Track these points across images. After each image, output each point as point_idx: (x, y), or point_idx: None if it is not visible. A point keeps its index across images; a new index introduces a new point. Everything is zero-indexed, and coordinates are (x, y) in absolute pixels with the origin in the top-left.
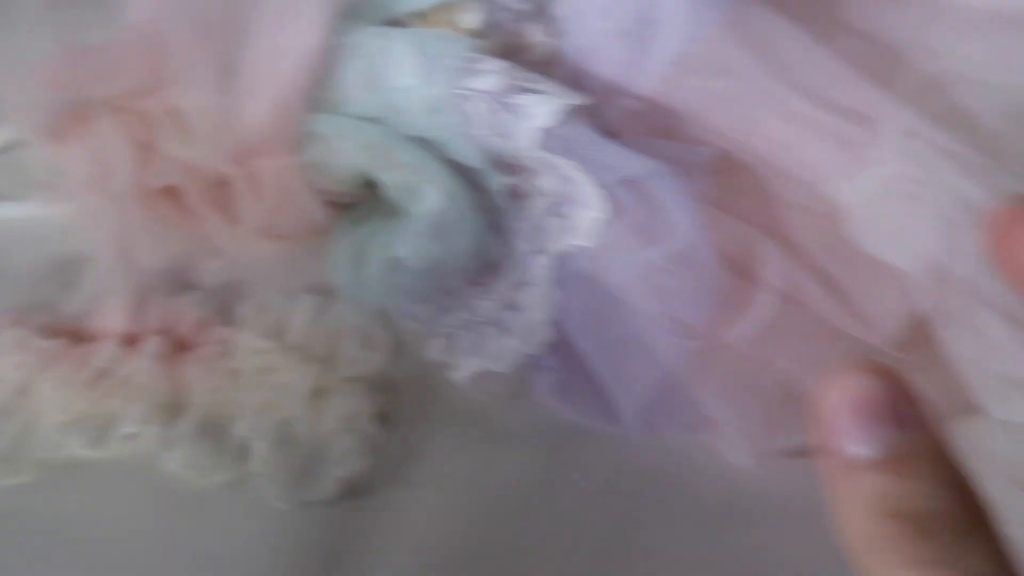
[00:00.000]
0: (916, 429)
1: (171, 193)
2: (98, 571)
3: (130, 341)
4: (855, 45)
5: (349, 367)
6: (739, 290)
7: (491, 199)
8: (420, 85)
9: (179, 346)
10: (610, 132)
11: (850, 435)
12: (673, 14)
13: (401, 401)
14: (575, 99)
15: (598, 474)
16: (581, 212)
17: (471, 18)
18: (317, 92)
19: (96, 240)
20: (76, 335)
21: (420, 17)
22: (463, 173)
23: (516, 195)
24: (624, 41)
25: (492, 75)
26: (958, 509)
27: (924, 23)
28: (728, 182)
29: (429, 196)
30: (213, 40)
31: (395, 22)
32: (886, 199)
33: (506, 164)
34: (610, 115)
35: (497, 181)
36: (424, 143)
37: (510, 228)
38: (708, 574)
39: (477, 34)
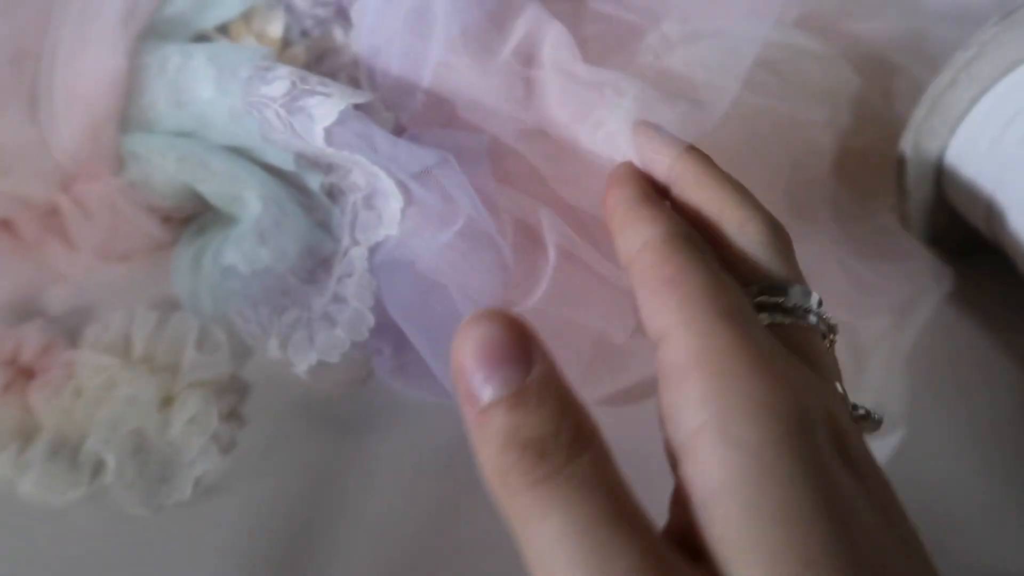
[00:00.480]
0: (532, 365)
1: (5, 225)
2: None
3: None
4: (601, 30)
5: (192, 372)
6: (532, 259)
7: (315, 198)
8: (218, 96)
9: (24, 374)
10: (403, 126)
11: (476, 379)
12: (444, 4)
13: (249, 400)
14: (357, 97)
15: (441, 447)
16: (387, 203)
17: (274, 27)
18: (127, 112)
19: None
20: None
21: (223, 31)
22: (281, 176)
23: (334, 192)
24: (406, 36)
25: (279, 81)
26: (570, 428)
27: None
28: (503, 163)
29: (250, 202)
30: (17, 70)
31: (201, 38)
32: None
33: (321, 163)
34: (404, 108)
35: (314, 180)
36: (238, 151)
37: (337, 224)
38: None
39: (284, 43)
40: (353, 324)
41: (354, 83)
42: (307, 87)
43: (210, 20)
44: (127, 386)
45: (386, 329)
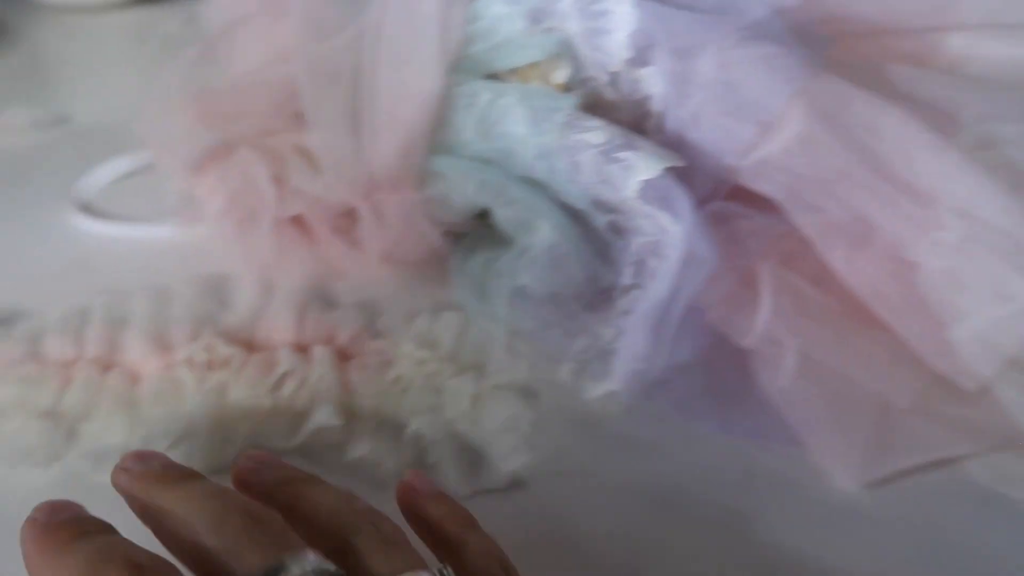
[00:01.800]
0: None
1: (299, 221)
2: None
3: (299, 350)
4: (912, 110)
5: (499, 375)
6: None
7: (596, 233)
8: (530, 134)
9: (341, 355)
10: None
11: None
12: (757, 90)
13: (540, 409)
14: (673, 160)
15: (724, 477)
16: (673, 255)
17: (561, 74)
18: (436, 135)
19: (235, 261)
20: (248, 345)
21: (514, 72)
22: (569, 209)
23: (617, 230)
24: (722, 118)
25: (597, 131)
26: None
27: (963, 90)
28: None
29: (542, 229)
30: (336, 85)
31: (492, 77)
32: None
33: (607, 205)
34: (697, 177)
35: (600, 219)
36: (533, 183)
37: (617, 260)
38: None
39: (565, 88)
40: (640, 357)
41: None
42: (624, 139)
43: (506, 62)
44: (447, 379)
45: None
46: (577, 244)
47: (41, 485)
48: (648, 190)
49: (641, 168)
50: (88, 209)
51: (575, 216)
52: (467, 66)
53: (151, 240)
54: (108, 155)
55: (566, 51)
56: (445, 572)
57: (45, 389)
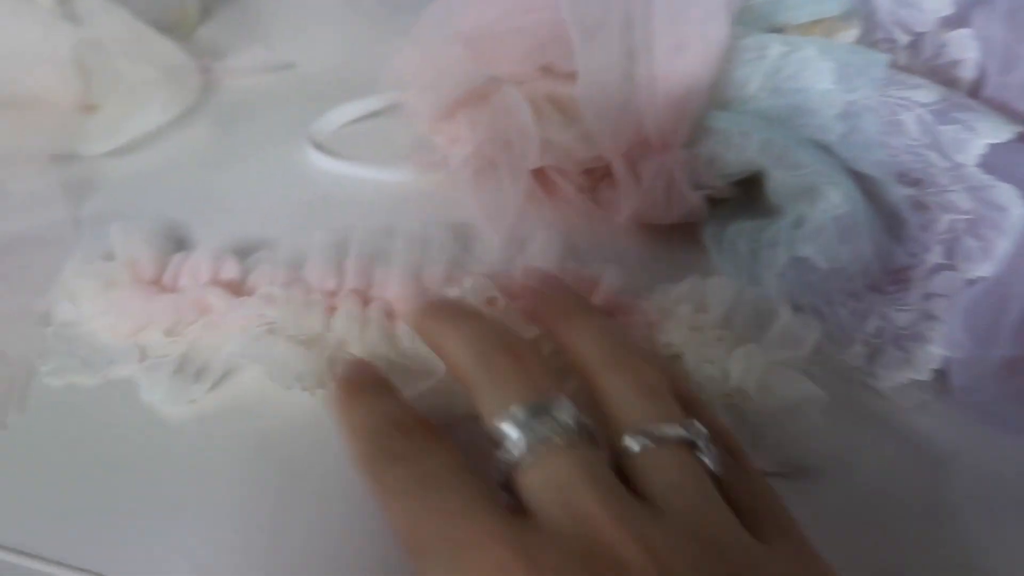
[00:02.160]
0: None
1: (540, 174)
2: None
3: None
4: None
5: (781, 351)
6: None
7: (888, 208)
8: (835, 89)
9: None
10: None
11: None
12: None
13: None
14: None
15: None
16: (998, 238)
17: (850, 33)
18: (715, 89)
19: (473, 210)
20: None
21: (798, 29)
22: (859, 179)
23: (920, 205)
24: None
25: (926, 88)
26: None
27: None
28: None
29: (831, 198)
30: (606, 32)
31: (773, 31)
32: None
33: (909, 176)
34: None
35: (897, 192)
36: (820, 146)
37: (913, 238)
38: None
39: None
40: (947, 345)
41: None
42: (960, 100)
43: (790, 16)
44: (726, 349)
45: (972, 358)
46: (868, 216)
47: (308, 409)
48: (992, 156)
49: (986, 130)
50: (323, 149)
51: (863, 187)
52: (745, 19)
53: (384, 183)
54: (337, 99)
55: (860, 8)
56: (693, 429)
57: (312, 316)
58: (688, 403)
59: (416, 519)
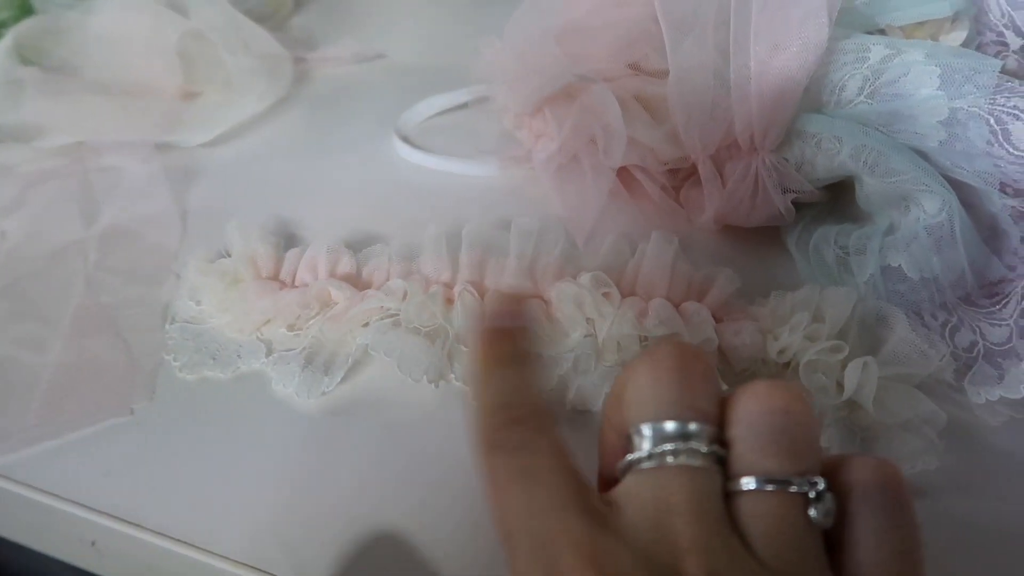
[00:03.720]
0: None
1: (622, 172)
2: None
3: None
4: None
5: (898, 365)
6: None
7: (987, 218)
8: (939, 96)
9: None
10: None
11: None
12: None
13: None
14: None
15: None
16: None
17: (957, 36)
18: (809, 92)
19: (556, 205)
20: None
21: (902, 30)
22: (955, 188)
23: (1021, 219)
24: None
25: None
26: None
27: None
28: None
29: (925, 206)
30: (699, 30)
31: (873, 33)
32: None
33: (1013, 186)
34: None
35: (999, 202)
36: (916, 153)
37: (1012, 251)
38: None
39: None
40: None
41: None
42: None
43: (896, 17)
44: (841, 360)
45: None
46: (965, 226)
47: (429, 400)
48: None
49: None
50: (409, 141)
51: (960, 197)
52: (845, 20)
53: (468, 176)
54: (425, 90)
55: (970, 9)
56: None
57: (433, 307)
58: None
59: (509, 509)
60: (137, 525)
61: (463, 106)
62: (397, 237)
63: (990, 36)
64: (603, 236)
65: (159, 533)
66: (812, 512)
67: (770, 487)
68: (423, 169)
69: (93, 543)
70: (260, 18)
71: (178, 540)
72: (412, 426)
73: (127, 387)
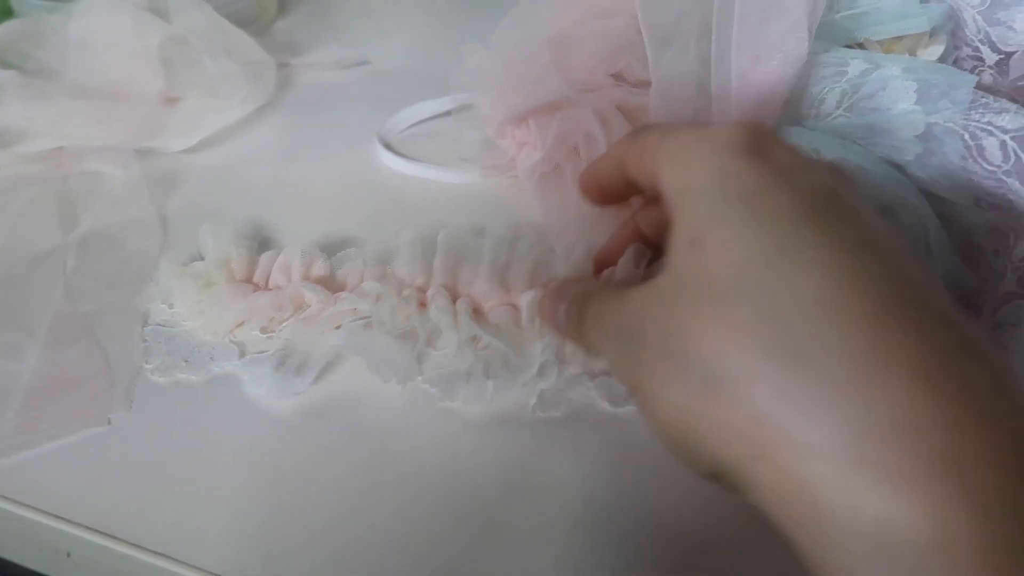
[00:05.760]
0: None
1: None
2: None
3: None
4: None
5: None
6: None
7: (962, 231)
8: (918, 111)
9: None
10: None
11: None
12: None
13: None
14: None
15: None
16: None
17: (933, 51)
18: (792, 103)
19: (539, 214)
20: None
21: (880, 44)
22: (932, 200)
23: (995, 232)
24: None
25: (1011, 114)
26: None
27: None
28: None
29: (902, 219)
30: (680, 41)
31: (851, 47)
32: None
33: (987, 200)
34: None
35: (974, 215)
36: (893, 167)
37: (986, 263)
38: None
39: None
40: None
41: None
42: None
43: (874, 32)
44: None
45: None
46: (940, 238)
47: (397, 403)
48: None
49: None
50: (392, 148)
51: (936, 209)
52: (825, 33)
53: (450, 184)
54: (409, 97)
55: (947, 24)
56: None
57: (406, 310)
58: None
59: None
60: (112, 536)
61: (446, 114)
62: (374, 242)
63: (966, 51)
64: (585, 245)
65: (135, 544)
66: None
67: None
68: (405, 176)
69: (68, 554)
70: (243, 23)
71: (153, 552)
72: (385, 427)
73: (105, 397)
